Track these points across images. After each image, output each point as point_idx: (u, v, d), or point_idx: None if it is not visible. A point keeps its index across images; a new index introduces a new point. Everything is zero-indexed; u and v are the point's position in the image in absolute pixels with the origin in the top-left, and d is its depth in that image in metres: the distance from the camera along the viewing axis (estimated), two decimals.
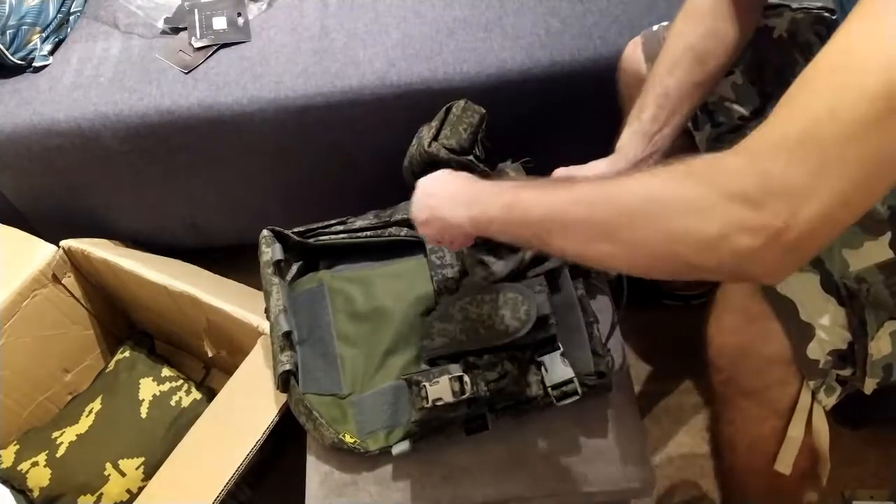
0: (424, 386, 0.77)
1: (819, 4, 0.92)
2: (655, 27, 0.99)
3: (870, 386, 0.74)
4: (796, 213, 0.49)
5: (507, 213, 0.64)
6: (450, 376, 0.77)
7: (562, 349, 0.82)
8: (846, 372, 0.74)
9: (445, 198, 0.72)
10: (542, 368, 0.82)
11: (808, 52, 0.89)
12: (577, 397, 0.81)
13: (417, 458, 0.85)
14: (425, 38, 1.14)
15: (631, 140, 0.85)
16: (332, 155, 1.21)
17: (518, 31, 1.13)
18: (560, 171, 0.88)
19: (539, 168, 1.00)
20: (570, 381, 0.81)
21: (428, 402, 0.76)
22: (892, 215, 0.74)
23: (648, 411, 1.24)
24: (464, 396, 0.77)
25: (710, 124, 0.96)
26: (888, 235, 0.73)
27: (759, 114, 0.93)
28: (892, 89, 0.46)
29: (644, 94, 0.85)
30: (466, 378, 0.77)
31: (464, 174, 0.74)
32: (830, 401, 0.75)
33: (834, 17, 0.89)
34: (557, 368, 0.82)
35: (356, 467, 0.87)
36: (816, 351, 0.72)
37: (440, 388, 0.77)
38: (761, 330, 0.72)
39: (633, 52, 1.00)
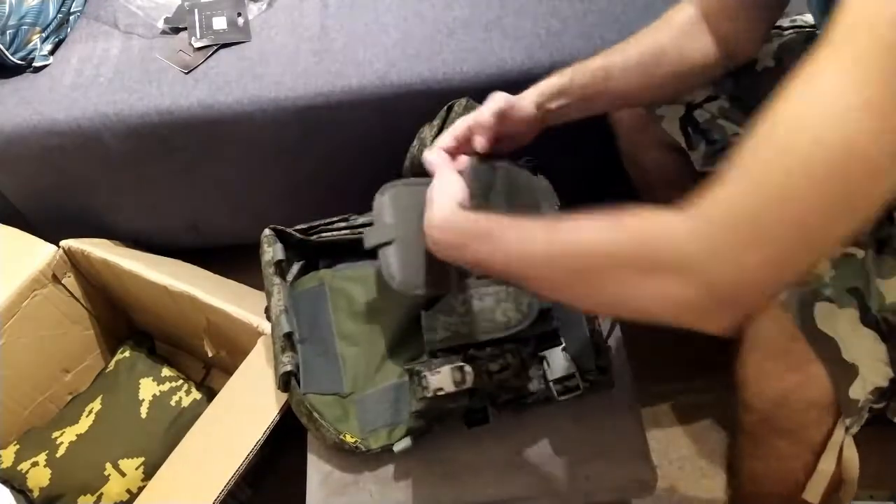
0: (426, 376, 0.77)
1: (812, 21, 0.91)
2: None
3: None
4: (743, 282, 0.50)
5: (477, 266, 0.65)
6: (451, 366, 0.77)
7: (564, 344, 0.82)
8: (880, 405, 0.73)
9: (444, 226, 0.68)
10: (545, 363, 0.82)
11: None
12: (579, 392, 0.81)
13: (418, 456, 0.85)
14: (425, 38, 1.14)
15: (540, 92, 0.83)
16: (332, 155, 1.21)
17: (518, 31, 1.13)
18: (497, 96, 0.84)
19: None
20: (571, 375, 0.81)
21: (429, 392, 0.76)
22: None
23: (649, 411, 1.24)
24: (465, 386, 0.77)
25: (705, 143, 0.96)
26: None
27: None
28: (846, 162, 0.47)
29: (588, 64, 0.85)
30: (468, 368, 0.77)
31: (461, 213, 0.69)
32: (857, 429, 0.75)
33: None
34: (559, 363, 0.82)
35: (357, 466, 0.87)
36: (858, 391, 0.70)
37: (441, 378, 0.77)
38: (805, 375, 0.70)
39: None
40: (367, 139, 1.18)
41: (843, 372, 0.69)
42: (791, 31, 0.91)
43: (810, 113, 0.49)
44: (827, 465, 0.75)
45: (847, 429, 0.73)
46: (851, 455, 0.75)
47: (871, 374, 0.70)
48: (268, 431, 0.92)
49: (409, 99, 1.11)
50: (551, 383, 0.81)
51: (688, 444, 1.21)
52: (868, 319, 0.70)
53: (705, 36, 0.83)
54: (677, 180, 1.08)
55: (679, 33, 0.83)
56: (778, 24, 0.92)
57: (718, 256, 0.49)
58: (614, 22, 1.12)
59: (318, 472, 0.88)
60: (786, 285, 0.53)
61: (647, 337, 1.27)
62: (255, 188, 1.28)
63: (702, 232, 0.50)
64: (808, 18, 0.91)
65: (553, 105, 0.83)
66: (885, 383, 0.71)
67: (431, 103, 1.02)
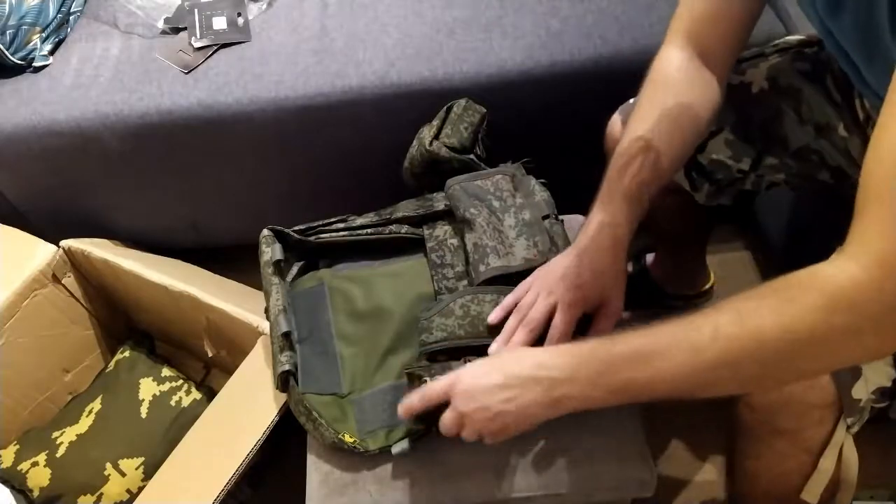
0: (426, 380, 0.77)
1: (797, 39, 0.90)
2: (632, 101, 0.94)
3: None
4: None
5: (620, 396, 0.62)
6: (451, 372, 0.77)
7: None
8: (882, 405, 0.73)
9: (516, 407, 0.66)
10: None
11: (798, 99, 0.87)
12: None
13: (417, 457, 0.85)
14: (425, 38, 1.14)
15: (621, 211, 0.77)
16: (331, 155, 1.21)
17: (518, 31, 1.13)
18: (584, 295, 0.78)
19: (539, 168, 1.00)
20: None
21: None
22: None
23: (648, 411, 1.24)
24: None
25: (708, 183, 0.95)
26: None
27: (757, 165, 0.91)
28: None
29: (632, 162, 0.78)
30: None
31: (490, 367, 0.69)
32: (858, 428, 0.75)
33: (814, 49, 0.87)
34: None
35: (356, 467, 0.87)
36: (861, 391, 0.70)
37: None
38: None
39: (615, 130, 0.96)
40: (367, 139, 1.18)
41: (847, 372, 0.69)
42: (774, 54, 0.89)
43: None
44: (827, 465, 0.75)
45: (848, 427, 0.73)
46: (851, 455, 0.75)
47: (874, 375, 0.70)
48: (267, 431, 0.92)
49: (409, 99, 1.11)
50: None
51: (688, 444, 1.21)
52: None
53: (706, 74, 0.80)
54: (676, 212, 1.06)
55: (684, 84, 0.79)
56: (760, 50, 0.90)
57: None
58: (614, 22, 1.12)
59: (318, 471, 0.88)
60: None
61: None
62: (254, 188, 1.28)
63: (881, 281, 0.51)
64: (791, 39, 0.90)
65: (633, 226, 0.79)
66: (888, 383, 0.71)
67: (431, 103, 1.02)
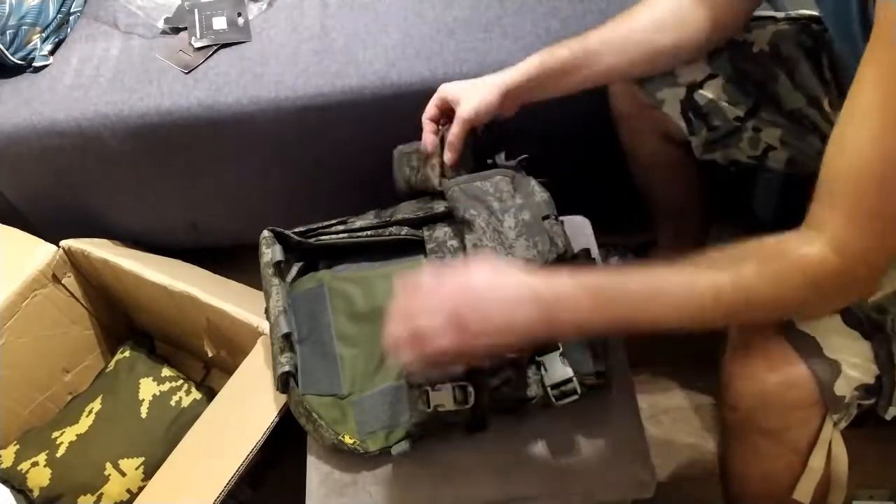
0: (427, 391, 0.77)
1: (808, 14, 0.92)
2: None
3: (891, 413, 0.73)
4: (880, 268, 0.63)
5: (617, 329, 0.72)
6: (453, 384, 0.77)
7: (561, 349, 0.82)
8: (869, 402, 0.73)
9: (517, 322, 0.64)
10: (542, 368, 0.82)
11: (792, 67, 0.90)
12: (576, 397, 0.81)
13: (417, 457, 0.85)
14: (425, 38, 1.14)
15: (522, 70, 0.90)
16: (332, 155, 1.21)
17: (518, 31, 1.13)
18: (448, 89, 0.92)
19: (539, 168, 1.00)
20: (569, 380, 0.81)
21: (429, 408, 0.76)
22: None
23: (648, 411, 1.24)
24: (466, 406, 0.77)
25: (706, 128, 0.96)
26: None
27: (753, 114, 0.93)
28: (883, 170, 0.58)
29: (563, 46, 0.89)
30: (470, 388, 0.77)
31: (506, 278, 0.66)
32: (844, 424, 0.74)
33: (821, 27, 0.89)
34: (557, 368, 0.81)
35: (356, 467, 0.87)
36: (843, 387, 0.70)
37: (442, 396, 0.76)
38: (785, 376, 0.70)
39: (616, 91, 1.00)
40: (367, 139, 1.18)
41: (826, 369, 0.70)
42: (784, 20, 0.92)
43: (855, 135, 0.60)
44: (817, 463, 0.75)
45: (835, 424, 0.73)
46: (840, 452, 0.74)
47: (854, 371, 0.70)
48: (268, 432, 0.92)
49: (409, 99, 1.11)
50: (549, 388, 0.81)
51: (688, 444, 1.21)
52: (851, 319, 0.71)
53: (695, 8, 0.85)
54: (675, 170, 1.08)
55: (664, 8, 0.87)
56: (772, 14, 0.93)
57: (859, 264, 0.61)
58: None
59: (318, 472, 0.88)
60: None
61: (646, 338, 1.27)
62: (254, 188, 1.28)
63: (855, 268, 0.61)
64: (804, 11, 0.92)
65: (531, 81, 0.90)
66: (870, 380, 0.71)
67: None
